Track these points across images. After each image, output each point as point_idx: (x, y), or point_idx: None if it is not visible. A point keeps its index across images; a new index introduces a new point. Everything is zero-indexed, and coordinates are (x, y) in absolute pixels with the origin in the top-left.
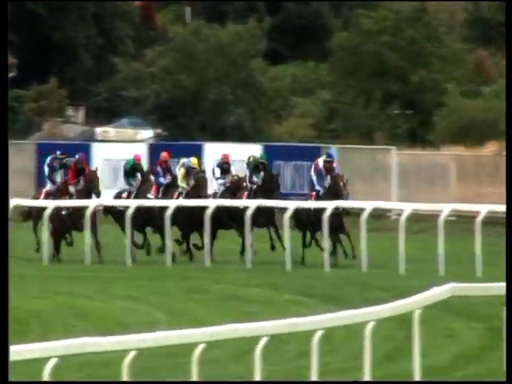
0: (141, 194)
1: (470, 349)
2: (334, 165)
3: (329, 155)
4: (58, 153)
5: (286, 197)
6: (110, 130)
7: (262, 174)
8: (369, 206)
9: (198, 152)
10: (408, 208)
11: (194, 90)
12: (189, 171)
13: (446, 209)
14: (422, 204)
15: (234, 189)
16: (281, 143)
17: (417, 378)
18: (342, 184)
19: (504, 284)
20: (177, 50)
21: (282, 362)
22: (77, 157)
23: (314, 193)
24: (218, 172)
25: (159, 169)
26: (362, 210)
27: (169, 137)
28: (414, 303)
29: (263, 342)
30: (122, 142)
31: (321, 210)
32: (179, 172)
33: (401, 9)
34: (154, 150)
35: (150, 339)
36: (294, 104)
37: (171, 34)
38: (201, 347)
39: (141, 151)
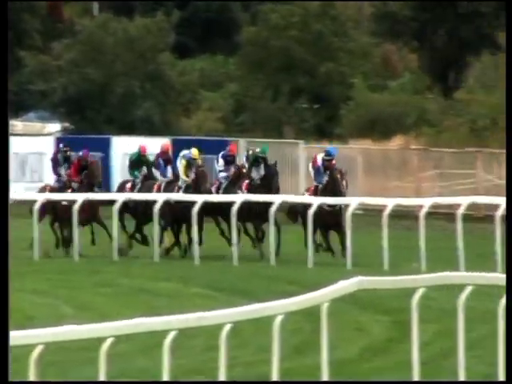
0: (144, 189)
1: (377, 341)
2: (334, 162)
3: (328, 153)
4: (61, 145)
5: None
6: (18, 124)
7: (261, 169)
8: (277, 199)
9: (105, 146)
10: (316, 202)
11: (101, 83)
12: (190, 163)
13: (353, 202)
14: (329, 198)
15: (235, 181)
16: (189, 137)
17: (325, 371)
18: (340, 180)
19: (412, 277)
20: (84, 43)
21: (191, 355)
22: (80, 153)
23: (312, 187)
24: (221, 163)
25: (161, 160)
26: (270, 204)
27: (76, 130)
28: (321, 296)
29: (171, 335)
30: (30, 136)
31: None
32: (180, 165)
33: (308, 4)
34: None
35: (57, 333)
36: (202, 98)
37: (78, 27)
38: (109, 341)
39: (48, 145)
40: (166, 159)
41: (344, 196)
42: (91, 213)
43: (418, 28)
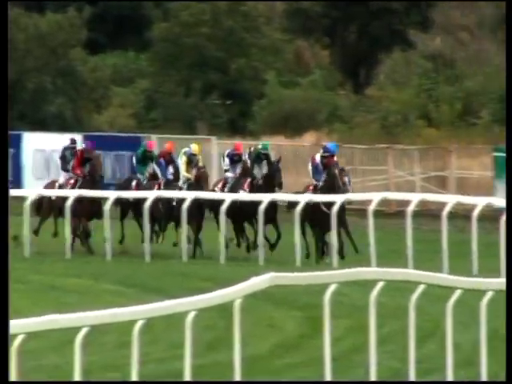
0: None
1: (289, 338)
2: (335, 159)
3: (326, 150)
4: (69, 142)
5: (106, 187)
6: None
7: (263, 166)
8: (189, 195)
9: (17, 142)
10: (228, 198)
11: (12, 79)
12: (191, 159)
13: (265, 199)
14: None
15: (241, 181)
16: (101, 133)
17: (237, 367)
18: (340, 179)
19: (324, 273)
20: None
21: (102, 352)
22: (84, 146)
23: (311, 186)
24: (227, 163)
25: (162, 160)
26: (183, 200)
27: None
28: (234, 293)
29: (83, 332)
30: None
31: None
32: (181, 161)
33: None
34: None
35: None
36: (114, 94)
37: None
38: (20, 338)
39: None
40: (168, 159)
41: (344, 193)
42: (93, 209)
43: (330, 25)
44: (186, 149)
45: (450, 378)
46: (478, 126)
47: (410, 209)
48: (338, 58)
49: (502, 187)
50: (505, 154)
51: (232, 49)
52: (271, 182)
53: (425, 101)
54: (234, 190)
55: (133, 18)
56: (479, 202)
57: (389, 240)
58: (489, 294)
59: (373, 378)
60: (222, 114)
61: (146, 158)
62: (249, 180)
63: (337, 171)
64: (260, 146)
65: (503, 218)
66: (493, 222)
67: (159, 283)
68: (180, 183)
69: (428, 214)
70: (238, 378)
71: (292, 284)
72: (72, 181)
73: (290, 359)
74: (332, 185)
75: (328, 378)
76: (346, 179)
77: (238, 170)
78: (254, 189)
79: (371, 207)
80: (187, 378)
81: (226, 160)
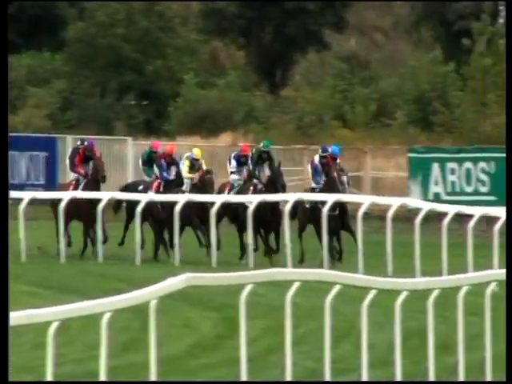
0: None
1: (205, 338)
2: (338, 161)
3: (324, 150)
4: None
5: (21, 188)
6: None
7: (266, 168)
8: (105, 196)
9: None
10: (144, 198)
11: None
12: (193, 164)
13: (181, 199)
14: (161, 195)
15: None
16: (16, 134)
17: (153, 368)
18: (338, 179)
19: (240, 273)
20: None
21: (19, 353)
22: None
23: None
24: (233, 165)
25: (163, 162)
26: (99, 200)
27: None
28: (149, 293)
29: None
30: None
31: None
32: (183, 166)
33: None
34: None
35: None
36: (29, 94)
37: None
38: None
39: None
40: (170, 161)
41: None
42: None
43: (245, 25)
44: (189, 153)
45: (365, 377)
46: (393, 127)
47: (326, 209)
48: (254, 58)
49: (416, 188)
50: (419, 155)
51: (148, 49)
52: (274, 185)
53: (340, 102)
54: (240, 194)
55: (47, 18)
56: (394, 203)
57: (305, 240)
58: (403, 294)
59: (288, 379)
60: (137, 115)
61: (152, 159)
62: (252, 187)
63: (336, 173)
64: (261, 145)
65: (418, 219)
66: (407, 222)
67: (75, 284)
68: (184, 187)
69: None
70: (153, 378)
71: (208, 284)
72: (74, 182)
73: (206, 359)
74: (331, 188)
75: (244, 378)
76: (345, 179)
77: (245, 172)
78: (256, 193)
79: (287, 208)
80: (102, 378)
81: (233, 162)
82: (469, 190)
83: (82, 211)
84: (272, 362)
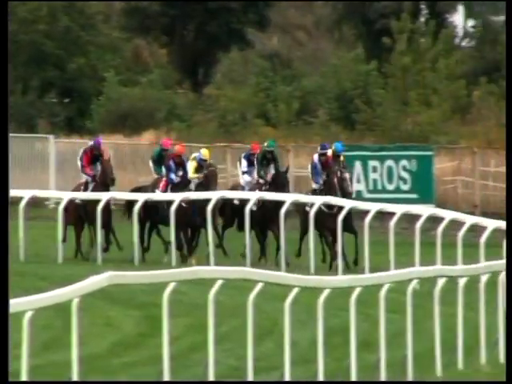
0: (151, 188)
1: (127, 336)
2: (342, 158)
3: (323, 147)
4: (90, 144)
5: None
6: None
7: (271, 169)
8: (27, 194)
9: None
10: (66, 196)
11: None
12: (200, 164)
13: (104, 197)
14: (80, 193)
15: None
16: None
17: (74, 367)
18: (340, 177)
19: (163, 272)
20: None
21: None
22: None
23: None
24: (244, 165)
25: (171, 163)
26: (20, 198)
27: None
28: (72, 292)
29: None
30: None
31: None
32: (190, 165)
33: None
34: None
35: None
36: None
37: None
38: None
39: None
40: (179, 162)
41: (347, 196)
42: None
43: (168, 23)
44: (196, 154)
45: (287, 375)
46: (315, 125)
47: (248, 207)
48: (177, 56)
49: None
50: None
51: (70, 47)
52: (278, 185)
53: (262, 100)
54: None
55: None
56: (316, 201)
57: (228, 238)
58: (325, 292)
59: (211, 377)
60: (59, 113)
61: (162, 157)
62: (257, 187)
63: (338, 172)
64: (265, 144)
65: (340, 217)
66: None
67: None
68: (191, 186)
69: None
70: (75, 377)
71: (131, 283)
72: (83, 184)
73: (129, 358)
74: (329, 189)
75: (166, 376)
76: (347, 175)
77: (255, 173)
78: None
79: (210, 206)
80: (24, 378)
81: (244, 162)
82: (390, 187)
83: (93, 215)
84: (195, 360)
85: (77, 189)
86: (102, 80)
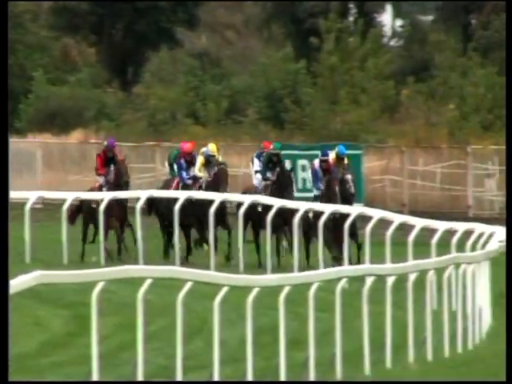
0: (164, 187)
1: (56, 336)
2: (345, 161)
3: (324, 154)
4: (105, 143)
5: None
6: None
7: (275, 172)
8: (33, 195)
9: None
10: (70, 197)
11: None
12: (208, 160)
13: (32, 196)
14: (12, 192)
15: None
16: None
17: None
18: (342, 178)
19: (92, 271)
20: None
21: None
22: (105, 143)
23: (97, 184)
24: (257, 164)
25: (182, 161)
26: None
27: None
28: None
29: None
30: None
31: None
32: (198, 162)
33: None
34: None
35: None
36: None
37: None
38: None
39: None
40: (190, 160)
41: (349, 197)
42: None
43: (96, 22)
44: (204, 149)
45: (216, 374)
46: (245, 124)
47: (177, 207)
48: (105, 55)
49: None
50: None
51: None
52: (282, 185)
53: (192, 99)
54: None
55: None
56: (246, 200)
57: (152, 237)
58: (254, 291)
59: (140, 376)
60: None
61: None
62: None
63: (337, 180)
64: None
65: (270, 216)
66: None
67: None
68: (201, 181)
69: None
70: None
71: (60, 282)
72: (97, 187)
73: (57, 357)
74: (329, 196)
75: (95, 376)
76: (349, 176)
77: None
78: (267, 193)
79: (139, 205)
80: None
81: (256, 161)
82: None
83: (117, 216)
84: (124, 359)
85: (91, 191)
86: (31, 79)
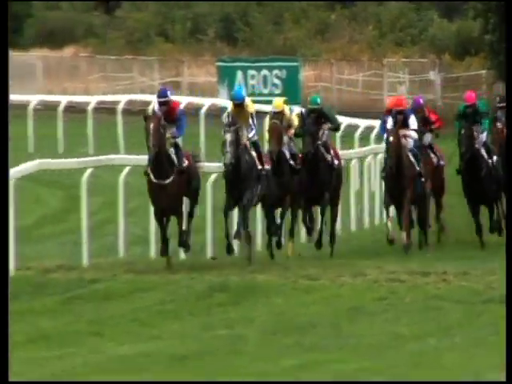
0: None
1: (53, 211)
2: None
3: (314, 101)
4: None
5: None
6: None
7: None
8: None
9: None
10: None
11: None
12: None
13: (34, 99)
14: (16, 95)
15: None
16: None
17: (11, 234)
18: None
19: (82, 159)
20: None
21: None
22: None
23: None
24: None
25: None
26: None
27: None
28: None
29: None
30: None
31: None
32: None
33: None
34: None
35: None
36: None
37: None
38: None
39: None
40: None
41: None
42: None
43: None
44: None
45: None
46: (205, 42)
47: (151, 107)
48: None
49: (223, 91)
50: (226, 64)
51: None
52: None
53: (162, 21)
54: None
55: None
56: (206, 102)
57: (133, 132)
58: None
59: (121, 244)
60: None
61: (466, 114)
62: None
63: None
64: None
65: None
66: (218, 119)
67: None
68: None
69: None
70: (12, 243)
71: (56, 168)
72: None
73: (54, 229)
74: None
75: (84, 243)
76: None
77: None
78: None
79: (120, 106)
80: None
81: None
82: (265, 91)
83: None
84: (108, 230)
85: None
86: (30, 6)
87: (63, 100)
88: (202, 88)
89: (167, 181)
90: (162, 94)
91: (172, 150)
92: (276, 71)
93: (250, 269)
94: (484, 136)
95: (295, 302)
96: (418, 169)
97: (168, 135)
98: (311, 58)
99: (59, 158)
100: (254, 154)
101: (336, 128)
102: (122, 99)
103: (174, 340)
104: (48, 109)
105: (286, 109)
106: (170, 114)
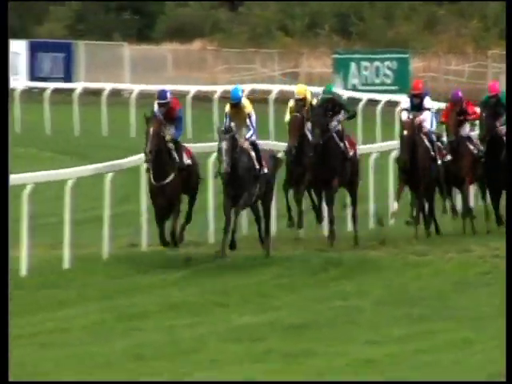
0: None
1: None
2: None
3: (328, 90)
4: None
5: (45, 80)
6: None
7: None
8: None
9: None
10: (137, 88)
11: None
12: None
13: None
14: (149, 86)
15: None
16: (42, 39)
17: None
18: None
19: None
20: None
21: None
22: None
23: None
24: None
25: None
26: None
27: None
28: None
29: None
30: None
31: None
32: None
33: None
34: None
35: None
36: (51, 11)
37: None
38: None
39: None
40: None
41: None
42: None
43: None
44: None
45: None
46: (321, 36)
47: (273, 96)
48: None
49: (339, 80)
50: (341, 56)
51: None
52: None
53: (282, 17)
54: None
55: None
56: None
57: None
58: None
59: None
60: (132, 26)
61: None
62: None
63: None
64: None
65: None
66: None
67: None
68: None
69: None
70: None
71: None
72: None
73: None
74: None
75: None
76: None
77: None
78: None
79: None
80: None
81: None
82: (377, 81)
83: None
84: None
85: None
86: (163, 4)
87: (192, 89)
88: (319, 78)
89: (166, 180)
90: (161, 96)
91: (172, 146)
92: (387, 63)
93: (361, 245)
94: (504, 128)
95: (405, 276)
96: (432, 153)
97: (168, 137)
98: (420, 51)
99: (188, 142)
100: (252, 154)
101: (352, 116)
102: (246, 88)
103: (292, 311)
104: (179, 97)
105: (308, 95)
106: (169, 114)
